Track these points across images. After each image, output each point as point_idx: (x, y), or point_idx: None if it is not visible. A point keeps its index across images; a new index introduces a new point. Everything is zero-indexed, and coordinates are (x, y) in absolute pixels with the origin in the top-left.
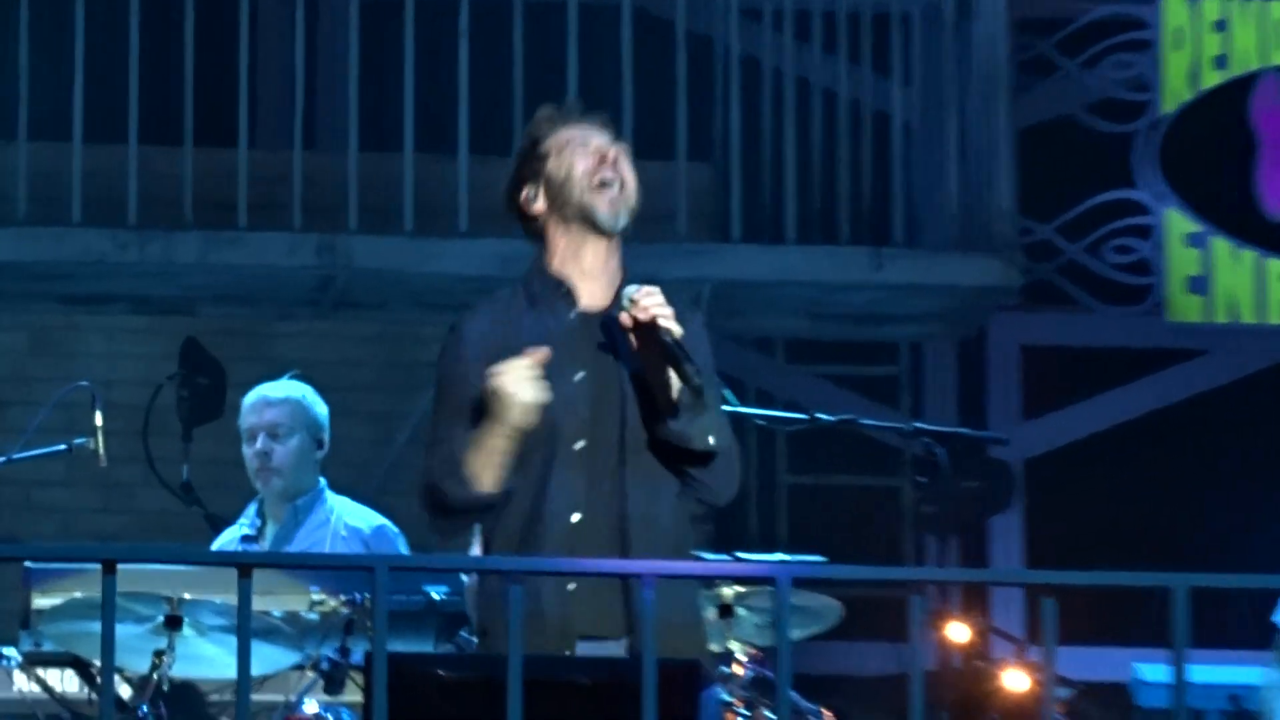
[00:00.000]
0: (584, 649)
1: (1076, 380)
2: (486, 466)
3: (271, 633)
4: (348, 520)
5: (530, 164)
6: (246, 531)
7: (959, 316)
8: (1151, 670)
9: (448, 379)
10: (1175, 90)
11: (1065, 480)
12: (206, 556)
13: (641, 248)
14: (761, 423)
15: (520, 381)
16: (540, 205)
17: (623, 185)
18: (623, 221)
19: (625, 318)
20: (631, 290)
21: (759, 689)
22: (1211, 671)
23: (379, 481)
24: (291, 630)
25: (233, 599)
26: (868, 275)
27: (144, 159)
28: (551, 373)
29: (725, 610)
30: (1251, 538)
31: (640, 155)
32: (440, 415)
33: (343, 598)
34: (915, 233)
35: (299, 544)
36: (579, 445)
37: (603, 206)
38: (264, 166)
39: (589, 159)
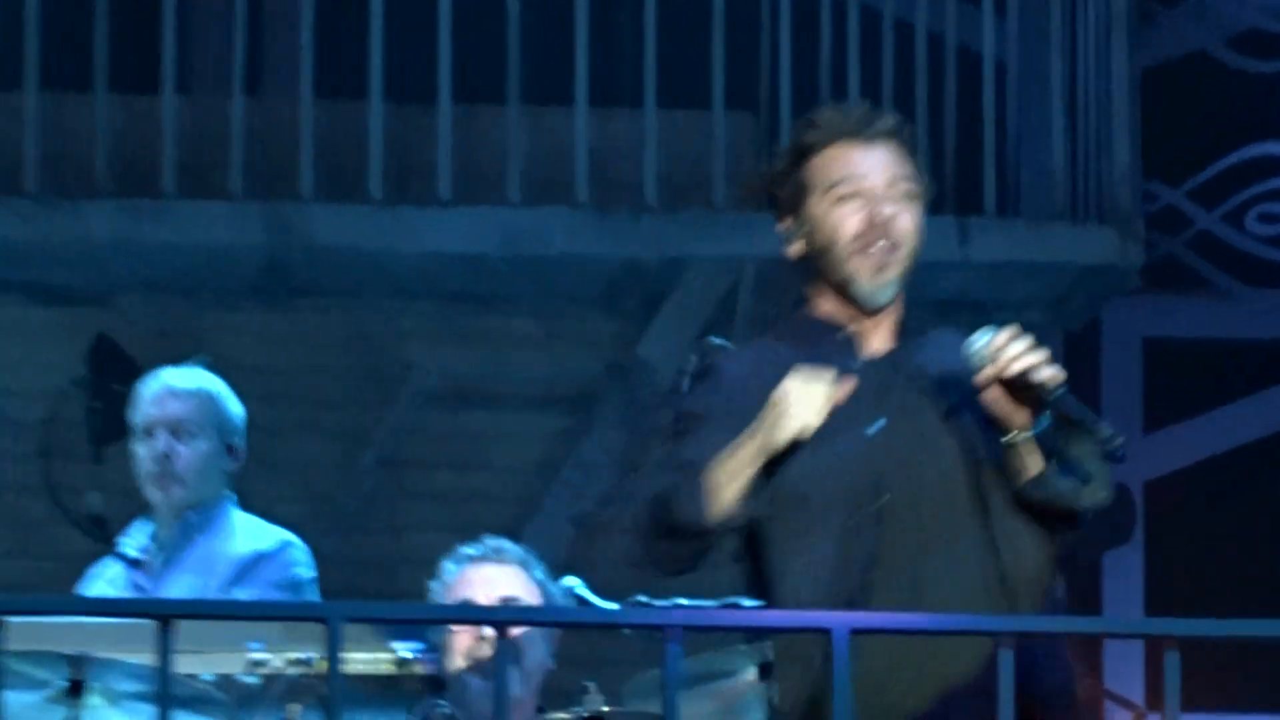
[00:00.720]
0: None
1: (1211, 382)
2: (731, 483)
3: (199, 701)
4: (245, 541)
5: (788, 189)
6: (133, 554)
7: (1066, 302)
8: None
9: (692, 411)
10: None
11: (1194, 506)
12: (117, 606)
13: (668, 219)
14: None
15: (807, 394)
16: (797, 249)
17: (895, 248)
18: (891, 293)
19: (984, 381)
20: (976, 342)
21: None
22: None
23: (350, 516)
24: (224, 698)
25: (150, 659)
26: (951, 252)
27: (45, 109)
28: (843, 426)
29: (767, 670)
30: None
31: (666, 103)
32: (675, 444)
33: (292, 657)
34: (1011, 200)
35: (187, 570)
36: (880, 501)
37: (864, 275)
38: (196, 118)
39: (857, 216)
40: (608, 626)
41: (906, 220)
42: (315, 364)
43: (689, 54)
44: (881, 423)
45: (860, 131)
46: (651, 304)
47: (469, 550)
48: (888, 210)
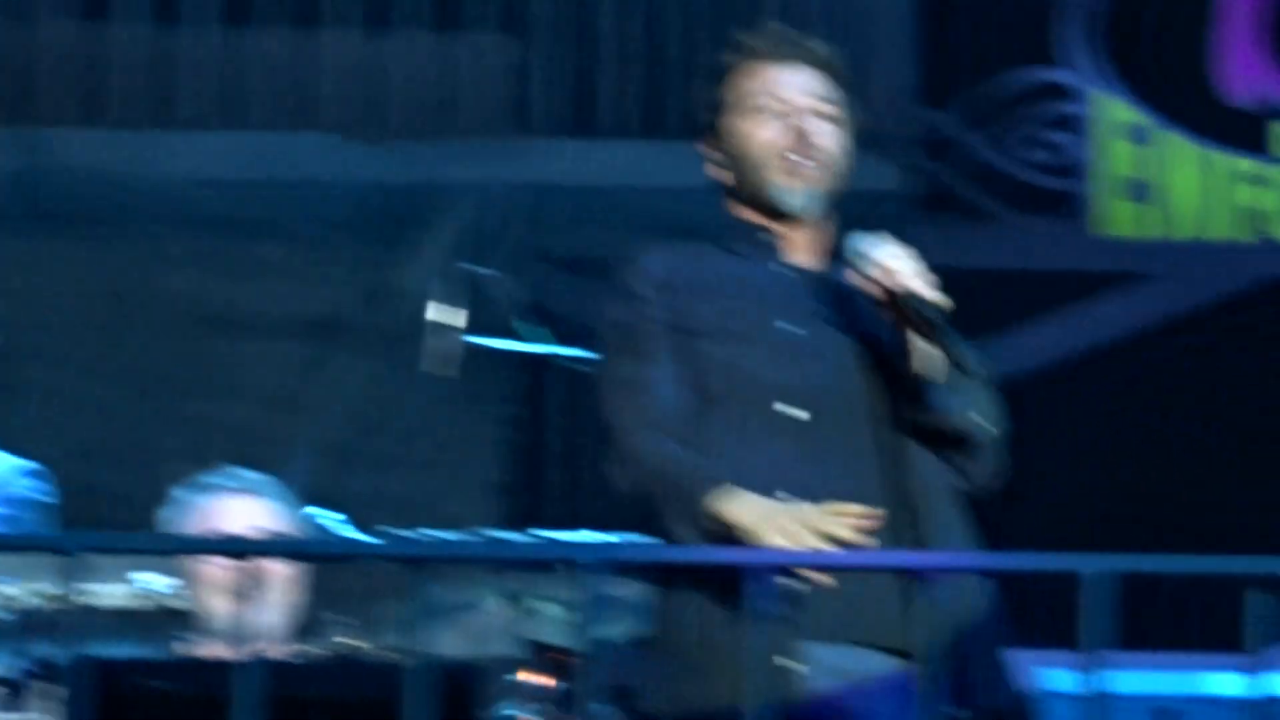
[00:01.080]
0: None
1: (983, 312)
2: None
3: None
4: None
5: (707, 108)
6: None
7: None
8: (1059, 678)
9: (623, 322)
10: None
11: None
12: None
13: (419, 144)
14: (569, 364)
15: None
16: (714, 171)
17: (820, 166)
18: (805, 201)
19: (869, 285)
20: (861, 242)
21: (567, 705)
22: (1136, 679)
23: (100, 445)
24: None
25: None
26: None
27: None
28: (759, 322)
29: (518, 602)
30: (1206, 511)
31: (415, 23)
32: (620, 361)
33: (34, 588)
34: None
35: None
36: (802, 415)
37: (779, 178)
38: None
39: (774, 126)
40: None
41: (825, 138)
42: (63, 290)
43: None
44: (804, 332)
45: (784, 53)
46: (404, 230)
47: (216, 480)
48: (805, 125)
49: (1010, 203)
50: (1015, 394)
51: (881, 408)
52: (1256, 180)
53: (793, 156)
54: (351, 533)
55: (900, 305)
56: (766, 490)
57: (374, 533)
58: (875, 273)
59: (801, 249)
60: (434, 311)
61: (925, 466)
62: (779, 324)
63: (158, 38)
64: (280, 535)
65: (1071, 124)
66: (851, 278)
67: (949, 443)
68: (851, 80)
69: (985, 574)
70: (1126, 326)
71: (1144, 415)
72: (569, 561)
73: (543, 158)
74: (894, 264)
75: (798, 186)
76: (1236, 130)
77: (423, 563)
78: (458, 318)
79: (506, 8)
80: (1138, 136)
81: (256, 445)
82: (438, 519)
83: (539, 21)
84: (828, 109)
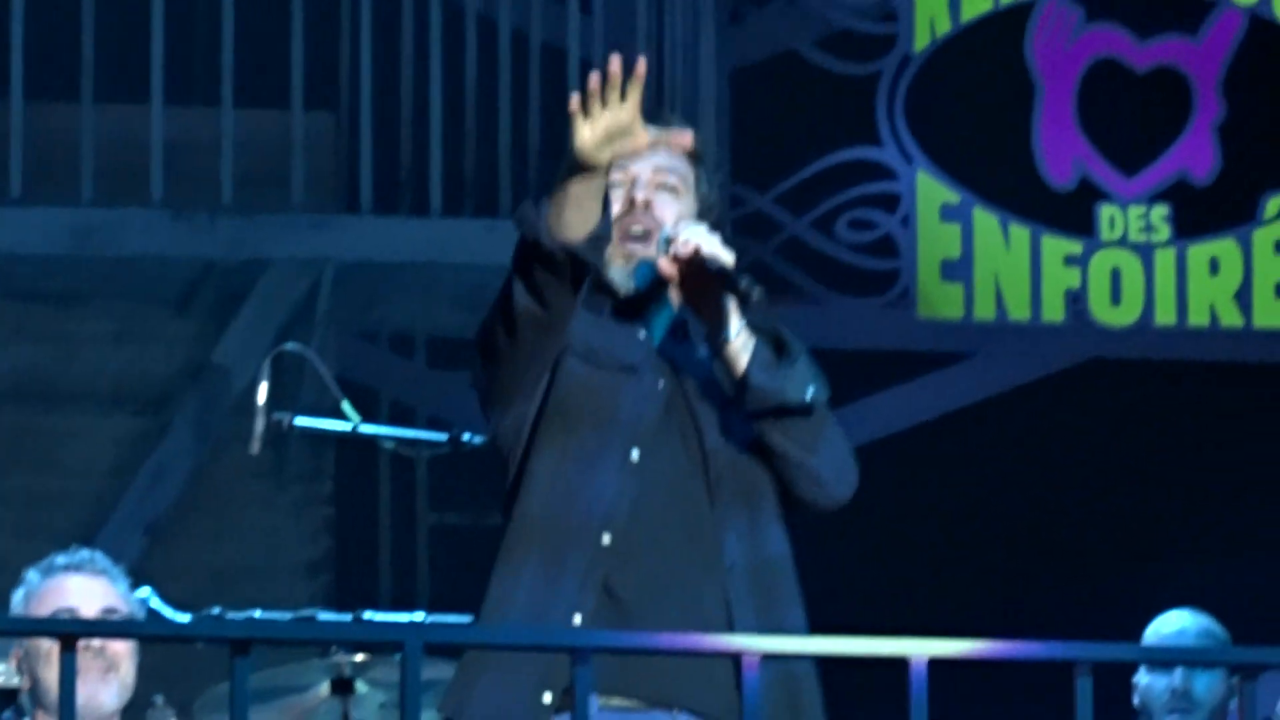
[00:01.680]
0: None
1: None
2: (564, 204)
3: None
4: None
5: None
6: None
7: None
8: None
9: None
10: (930, 19)
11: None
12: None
13: (245, 219)
14: (392, 446)
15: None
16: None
17: (650, 234)
18: (645, 279)
19: (664, 262)
20: (667, 231)
21: None
22: None
23: None
24: None
25: None
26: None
27: None
28: (629, 363)
29: (342, 685)
30: (1021, 591)
31: (244, 102)
32: None
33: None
34: None
35: None
36: (634, 455)
37: (616, 260)
38: None
39: (618, 201)
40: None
41: (664, 209)
42: None
43: (267, 51)
44: (662, 382)
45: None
46: (228, 305)
47: (60, 560)
48: (642, 194)
49: (826, 282)
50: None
51: (728, 470)
52: (1076, 261)
53: (628, 228)
54: (163, 607)
55: (693, 272)
56: (596, 522)
57: (199, 612)
58: (667, 248)
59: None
60: (260, 390)
61: (770, 541)
62: (640, 370)
63: None
64: (116, 614)
65: (889, 203)
66: (659, 265)
67: (777, 422)
68: (701, 155)
69: (817, 656)
70: (945, 407)
71: (961, 492)
72: (392, 643)
73: (373, 234)
74: (685, 233)
75: (628, 267)
76: (1059, 211)
77: (246, 644)
78: (283, 396)
79: (329, 85)
80: (956, 215)
81: (79, 520)
82: (262, 599)
83: (359, 99)
84: (670, 180)
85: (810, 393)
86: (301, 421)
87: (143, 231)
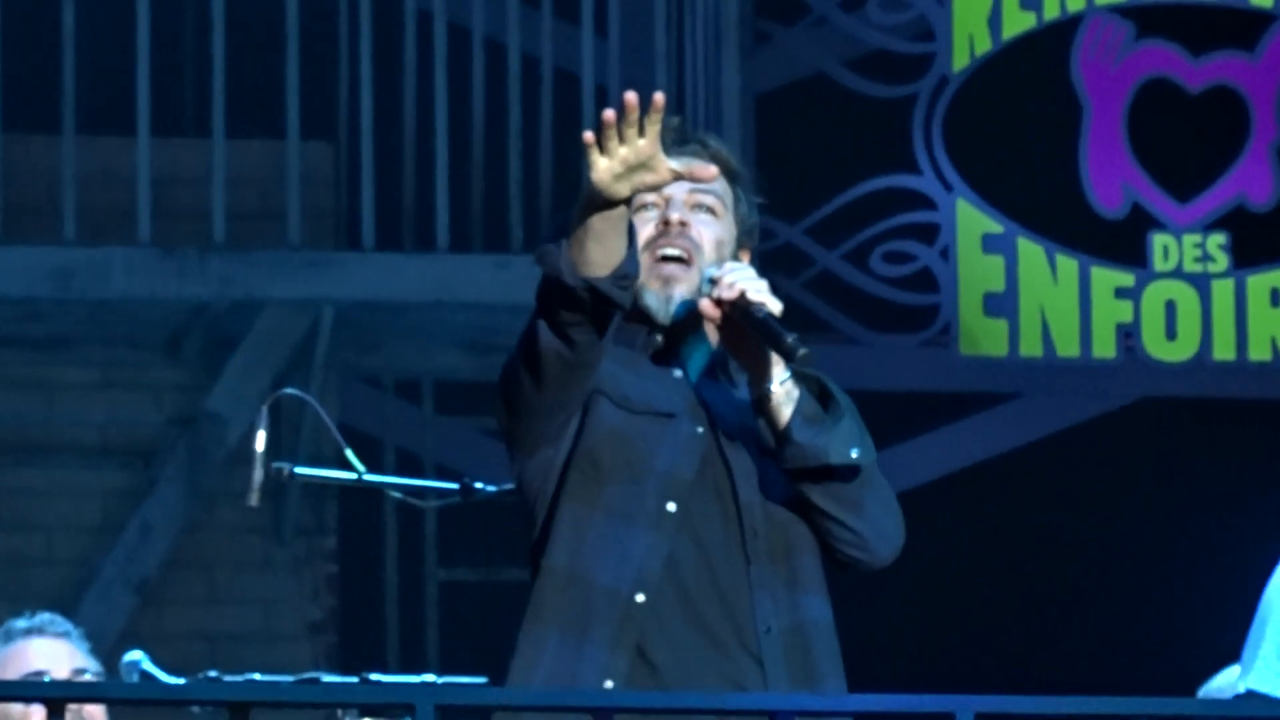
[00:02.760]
0: None
1: None
2: (586, 239)
3: None
4: None
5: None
6: None
7: None
8: None
9: None
10: (969, 37)
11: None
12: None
13: (238, 257)
14: (399, 496)
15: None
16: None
17: (689, 256)
18: (680, 312)
19: (706, 303)
20: (711, 270)
21: None
22: None
23: None
24: None
25: None
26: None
27: None
28: (668, 412)
29: None
30: (1073, 643)
31: (236, 133)
32: None
33: None
34: None
35: None
36: (670, 508)
37: (654, 286)
38: None
39: (652, 222)
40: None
41: (702, 229)
42: None
43: (260, 79)
44: (701, 429)
45: (667, 146)
46: (221, 350)
47: (20, 624)
48: (677, 214)
49: (861, 319)
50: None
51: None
52: (1128, 294)
53: (663, 251)
54: (156, 672)
55: (738, 318)
56: (628, 581)
57: (196, 676)
58: (710, 289)
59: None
60: (257, 438)
61: (810, 603)
62: (678, 416)
63: None
64: (85, 675)
65: (928, 233)
66: (700, 305)
67: (819, 481)
68: (739, 174)
69: (856, 714)
70: (989, 451)
71: (1006, 542)
72: (403, 705)
73: (375, 272)
74: (728, 276)
75: (669, 292)
76: (1109, 240)
77: (245, 708)
78: (282, 446)
79: (326, 114)
80: (999, 246)
81: (63, 582)
82: (261, 663)
83: (359, 128)
84: (707, 200)
85: (856, 454)
86: (302, 471)
87: (129, 272)
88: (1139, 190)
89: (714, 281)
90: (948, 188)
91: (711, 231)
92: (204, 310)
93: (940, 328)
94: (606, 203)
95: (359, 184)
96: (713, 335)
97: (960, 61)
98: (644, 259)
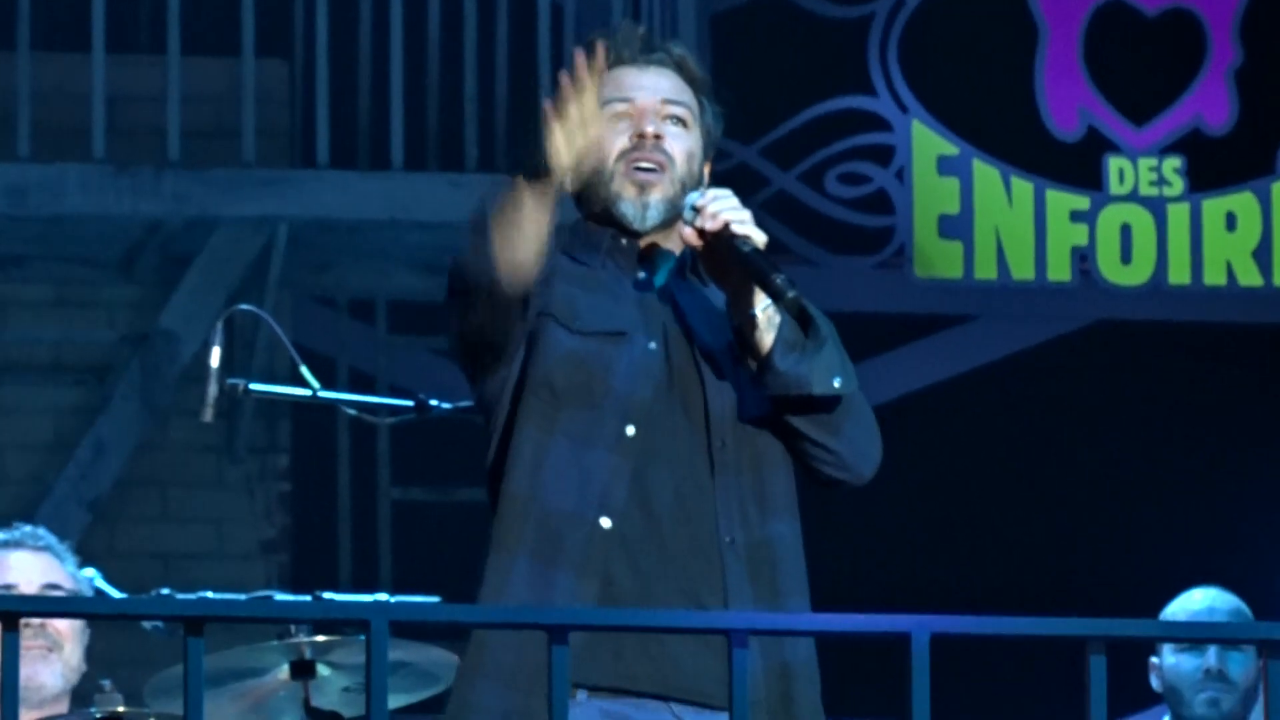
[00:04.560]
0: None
1: None
2: (507, 228)
3: None
4: None
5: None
6: None
7: None
8: None
9: None
10: None
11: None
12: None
13: (193, 175)
14: (354, 413)
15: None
16: (574, 183)
17: (662, 169)
18: (657, 215)
19: (689, 232)
20: (694, 197)
21: None
22: None
23: None
24: None
25: None
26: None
27: None
28: (619, 330)
29: (302, 668)
30: (1027, 566)
31: (191, 50)
32: None
33: None
34: None
35: None
36: (629, 430)
37: (629, 193)
38: None
39: (624, 134)
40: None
41: (674, 141)
42: None
43: None
44: (654, 344)
45: (633, 55)
46: (175, 268)
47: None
48: (652, 128)
49: (816, 240)
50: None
51: (718, 444)
52: (1083, 217)
53: (637, 163)
54: (109, 589)
55: (720, 247)
56: (591, 506)
57: (148, 593)
58: (694, 218)
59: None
60: (212, 354)
61: (776, 518)
62: (631, 334)
63: None
64: (59, 591)
65: (883, 155)
66: (682, 233)
67: (808, 414)
68: (706, 83)
69: (811, 634)
70: (944, 373)
71: (961, 463)
72: (357, 622)
73: (330, 190)
74: (711, 204)
75: (647, 200)
76: (1065, 163)
77: (199, 623)
78: (235, 364)
79: (282, 31)
80: (955, 168)
81: (15, 499)
82: (213, 581)
83: (314, 46)
84: (678, 110)
85: (839, 383)
86: (257, 387)
87: (83, 189)
88: (1095, 113)
89: (697, 210)
90: (903, 109)
91: (682, 144)
92: (158, 228)
93: (895, 250)
94: (546, 177)
95: (314, 102)
96: (683, 242)
97: None
98: (617, 169)
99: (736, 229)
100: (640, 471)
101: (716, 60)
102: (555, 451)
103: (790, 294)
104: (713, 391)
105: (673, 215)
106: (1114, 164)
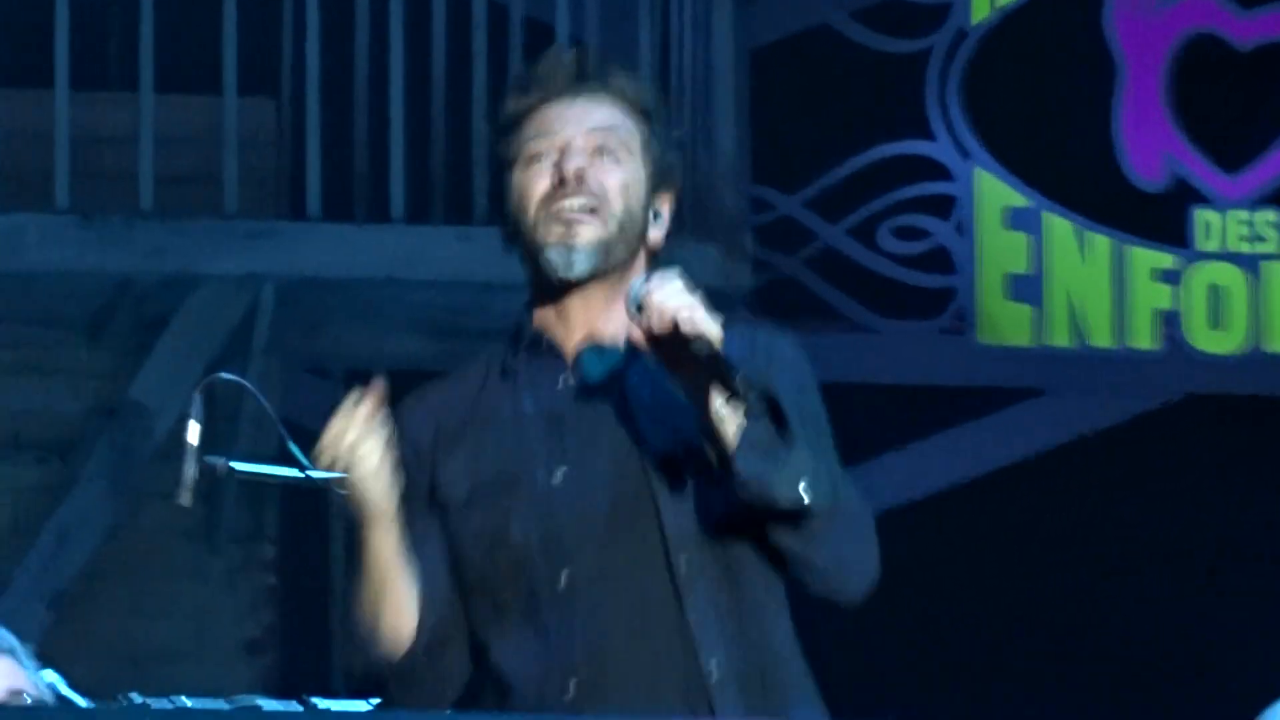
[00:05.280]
0: None
1: (844, 435)
2: (378, 606)
3: None
4: None
5: (496, 168)
6: None
7: None
8: None
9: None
10: None
11: None
12: None
13: (169, 227)
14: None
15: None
16: (505, 230)
17: (592, 211)
18: (587, 263)
19: (636, 334)
20: (638, 287)
21: None
22: None
23: None
24: None
25: None
26: (516, 269)
27: None
28: (512, 473)
29: None
30: (1099, 669)
31: (166, 87)
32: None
33: None
34: None
35: None
36: (562, 581)
37: (552, 238)
38: None
39: (545, 176)
40: None
41: (605, 175)
42: None
43: (194, 25)
44: (561, 471)
45: (561, 89)
46: (147, 332)
47: None
48: (576, 163)
49: (868, 302)
50: (889, 527)
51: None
52: (1168, 277)
53: (559, 205)
54: (72, 695)
55: (673, 343)
56: (555, 681)
57: (115, 699)
58: (640, 317)
59: (598, 319)
60: (190, 429)
61: (768, 638)
62: (544, 471)
63: None
64: (22, 698)
65: (942, 206)
66: (630, 333)
67: (781, 525)
68: (655, 110)
69: None
70: (1012, 454)
71: (1031, 554)
72: None
73: (322, 245)
74: (656, 298)
75: (573, 243)
76: (1147, 216)
77: None
78: (216, 439)
79: (269, 67)
80: (1023, 222)
81: None
82: (191, 685)
83: (304, 84)
84: (606, 140)
85: (807, 494)
86: (240, 466)
87: (45, 242)
88: (1181, 160)
89: (641, 307)
90: (965, 155)
91: (616, 177)
92: (129, 286)
93: (956, 313)
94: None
95: (304, 145)
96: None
97: (980, 12)
98: (540, 216)
99: (686, 329)
100: (590, 626)
101: (756, 100)
102: (509, 645)
103: (750, 395)
104: (668, 504)
105: (615, 260)
106: (1202, 217)
